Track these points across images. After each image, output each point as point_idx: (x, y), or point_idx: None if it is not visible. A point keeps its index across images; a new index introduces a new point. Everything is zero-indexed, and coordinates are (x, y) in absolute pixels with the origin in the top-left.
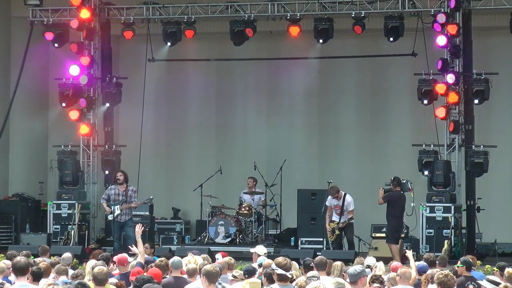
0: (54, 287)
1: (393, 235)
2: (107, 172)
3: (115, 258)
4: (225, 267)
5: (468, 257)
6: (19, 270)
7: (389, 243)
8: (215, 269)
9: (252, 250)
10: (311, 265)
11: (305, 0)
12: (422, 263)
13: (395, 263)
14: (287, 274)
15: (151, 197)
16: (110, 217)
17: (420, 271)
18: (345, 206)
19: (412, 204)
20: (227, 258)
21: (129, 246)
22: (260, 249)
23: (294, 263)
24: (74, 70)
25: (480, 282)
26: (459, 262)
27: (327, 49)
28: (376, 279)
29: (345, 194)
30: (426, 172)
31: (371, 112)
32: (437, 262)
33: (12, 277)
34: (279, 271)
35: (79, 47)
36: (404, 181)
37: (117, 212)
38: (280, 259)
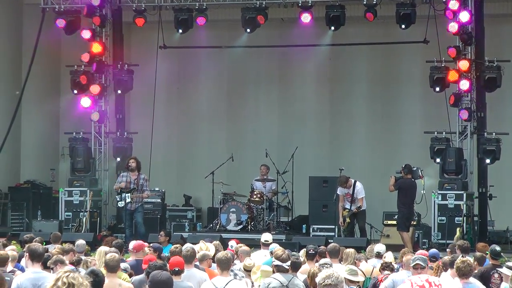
0: (70, 274)
1: (404, 223)
2: (118, 159)
3: (132, 244)
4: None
5: (481, 245)
6: (37, 257)
7: (400, 231)
8: (227, 256)
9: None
10: (310, 252)
11: None
12: (433, 250)
13: (404, 250)
14: (284, 265)
15: (163, 190)
16: (120, 204)
17: (432, 258)
18: (355, 193)
19: (422, 192)
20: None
21: None
22: (264, 236)
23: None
24: (85, 57)
25: (499, 270)
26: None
27: (339, 36)
28: (387, 266)
29: (355, 182)
30: (438, 160)
31: (383, 100)
32: (448, 250)
33: (23, 262)
34: (276, 262)
35: (91, 34)
36: (415, 169)
37: (128, 200)
38: (278, 251)
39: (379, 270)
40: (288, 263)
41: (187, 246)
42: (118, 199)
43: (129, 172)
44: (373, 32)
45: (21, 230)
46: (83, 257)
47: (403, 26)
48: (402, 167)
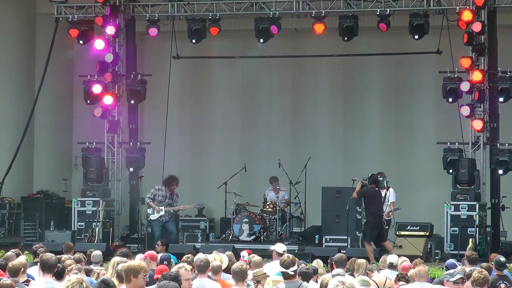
0: (78, 285)
1: (370, 233)
2: (131, 169)
3: (146, 254)
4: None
5: (493, 255)
6: (49, 268)
7: (364, 241)
8: (241, 268)
9: (272, 247)
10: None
11: None
12: (450, 260)
13: (405, 263)
14: (288, 271)
15: (203, 203)
16: (153, 217)
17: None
18: (387, 197)
19: (387, 203)
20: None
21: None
22: (279, 246)
23: (319, 261)
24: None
25: None
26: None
27: (352, 46)
28: (402, 277)
29: (388, 187)
30: (450, 170)
31: (396, 110)
32: (462, 260)
33: (31, 270)
34: (281, 269)
35: (104, 44)
36: (381, 179)
37: (162, 213)
38: (284, 257)
39: (394, 281)
40: (293, 268)
41: (200, 256)
42: (150, 212)
43: (166, 188)
44: (386, 42)
45: (34, 240)
46: (93, 267)
47: (416, 37)
48: (368, 176)
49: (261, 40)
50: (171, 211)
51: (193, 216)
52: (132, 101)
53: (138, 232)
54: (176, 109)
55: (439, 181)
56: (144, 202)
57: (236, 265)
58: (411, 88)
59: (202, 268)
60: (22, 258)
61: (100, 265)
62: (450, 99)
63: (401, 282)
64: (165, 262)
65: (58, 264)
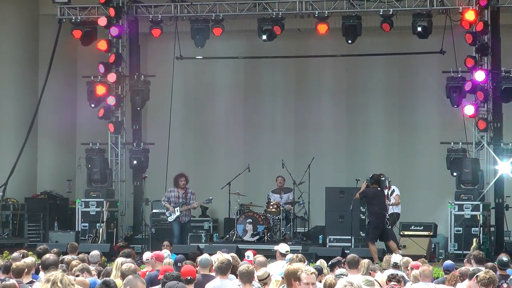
0: (64, 278)
1: (373, 233)
2: (135, 162)
3: (153, 254)
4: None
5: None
6: (47, 267)
7: (368, 241)
8: (248, 269)
9: (276, 247)
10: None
11: None
12: (448, 261)
13: (415, 262)
14: None
15: (211, 198)
16: (170, 219)
17: (446, 269)
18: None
19: (388, 203)
20: (260, 258)
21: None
22: (282, 247)
23: (323, 261)
24: (101, 68)
25: None
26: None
27: (355, 46)
28: (393, 277)
29: (390, 186)
30: (455, 174)
31: (399, 110)
32: (465, 260)
33: (42, 274)
34: None
35: (107, 45)
36: (383, 179)
37: (177, 213)
38: (293, 256)
39: (386, 282)
40: None
41: (206, 256)
42: (168, 214)
43: (178, 188)
44: (389, 42)
45: (38, 241)
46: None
47: (419, 29)
48: (369, 176)
49: (265, 39)
50: (186, 210)
51: (197, 216)
52: (138, 107)
53: (142, 233)
54: (180, 110)
55: (443, 181)
56: (148, 203)
57: (243, 266)
58: (414, 88)
59: (223, 270)
60: (28, 259)
61: (99, 265)
62: (455, 106)
63: (392, 282)
64: (179, 264)
65: (61, 265)
